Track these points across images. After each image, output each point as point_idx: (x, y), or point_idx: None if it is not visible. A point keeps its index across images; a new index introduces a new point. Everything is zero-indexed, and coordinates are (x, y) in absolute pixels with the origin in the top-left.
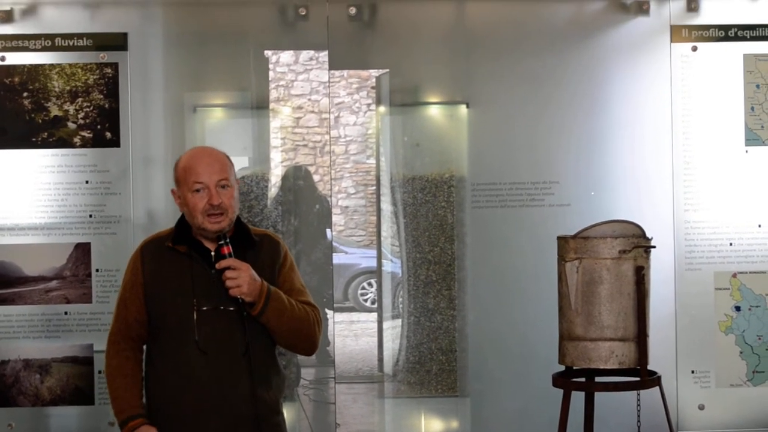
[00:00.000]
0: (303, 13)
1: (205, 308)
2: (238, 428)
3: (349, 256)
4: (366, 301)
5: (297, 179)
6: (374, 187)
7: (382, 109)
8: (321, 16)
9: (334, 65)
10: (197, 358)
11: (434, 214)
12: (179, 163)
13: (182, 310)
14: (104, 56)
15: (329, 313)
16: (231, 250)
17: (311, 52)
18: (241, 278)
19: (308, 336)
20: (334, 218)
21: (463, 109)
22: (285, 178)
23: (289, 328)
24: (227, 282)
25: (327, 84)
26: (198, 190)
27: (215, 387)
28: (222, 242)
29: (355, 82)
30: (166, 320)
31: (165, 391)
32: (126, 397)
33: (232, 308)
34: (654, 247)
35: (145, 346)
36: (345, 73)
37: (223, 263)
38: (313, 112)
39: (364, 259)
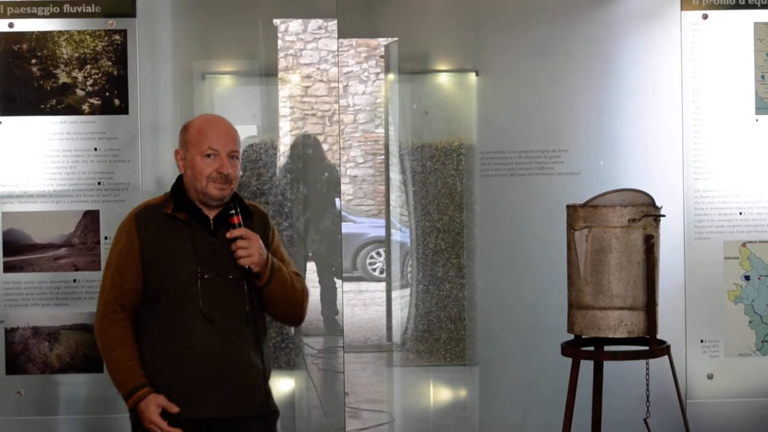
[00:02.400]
0: None
1: (206, 276)
2: (238, 396)
3: (358, 225)
4: (375, 270)
5: (306, 147)
6: (383, 157)
7: (391, 77)
8: None
9: (343, 34)
10: (201, 326)
11: (443, 183)
12: (191, 126)
13: (185, 277)
14: (113, 23)
15: (338, 282)
16: (241, 219)
17: (320, 21)
18: (252, 248)
19: (300, 307)
20: (343, 188)
21: (472, 76)
22: (294, 146)
23: (286, 300)
24: (238, 251)
25: (336, 53)
26: (209, 155)
27: (218, 354)
28: (233, 212)
29: (363, 51)
30: (166, 288)
31: (163, 359)
32: (130, 366)
33: (231, 276)
34: (663, 215)
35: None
36: (354, 42)
37: (234, 233)
38: (321, 81)
39: (373, 228)
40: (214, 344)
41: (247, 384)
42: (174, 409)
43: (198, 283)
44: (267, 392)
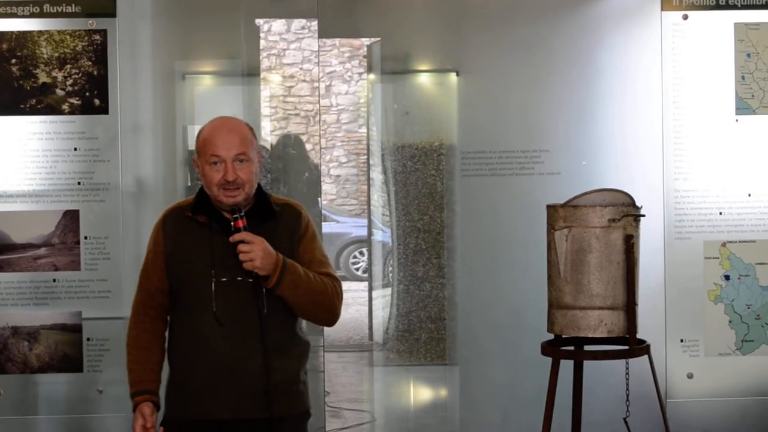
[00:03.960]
0: None
1: (223, 279)
2: (252, 399)
3: (341, 225)
4: (358, 270)
5: (288, 147)
6: (366, 156)
7: (372, 77)
8: None
9: (324, 33)
10: (214, 329)
11: (424, 183)
12: (201, 133)
13: (201, 280)
14: (93, 23)
15: None
16: (245, 223)
17: (303, 21)
18: (254, 252)
19: (327, 307)
20: (326, 187)
21: (453, 77)
22: (276, 146)
23: (307, 301)
24: (240, 256)
25: (317, 52)
26: (215, 163)
27: (230, 358)
28: (236, 216)
29: (347, 50)
30: (184, 290)
31: (182, 359)
32: (138, 370)
33: (250, 279)
34: (643, 215)
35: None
36: (337, 41)
37: (236, 237)
38: (304, 81)
39: (356, 228)
40: (226, 348)
41: (258, 387)
42: (146, 423)
43: (212, 286)
44: (295, 392)
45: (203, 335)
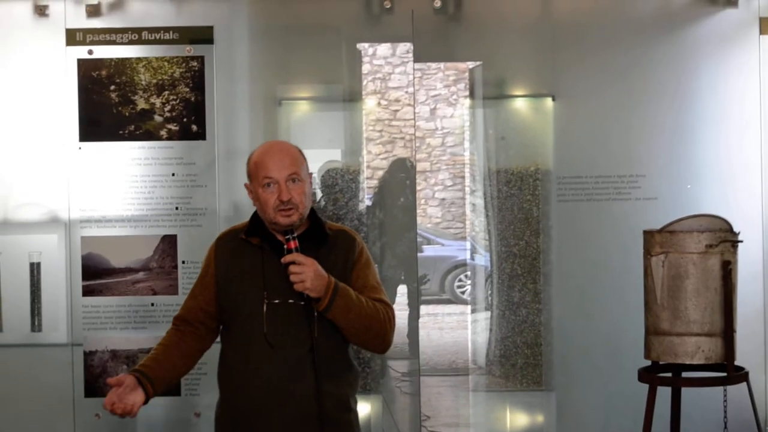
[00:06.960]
0: (388, 6)
1: (275, 301)
2: (303, 424)
3: (446, 248)
4: (463, 293)
5: (399, 171)
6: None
7: (471, 101)
8: (406, 9)
9: (419, 58)
10: (265, 351)
11: (519, 208)
12: (251, 158)
13: (252, 302)
14: (190, 49)
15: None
16: (297, 244)
17: (408, 45)
18: (305, 273)
19: (378, 334)
20: (431, 210)
21: (548, 101)
22: (389, 169)
23: (358, 326)
24: (291, 277)
25: (411, 76)
26: (268, 185)
27: (281, 381)
28: (289, 237)
29: (452, 74)
30: (236, 312)
31: (233, 383)
32: (147, 357)
33: (302, 302)
34: (741, 241)
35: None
36: (442, 65)
37: (288, 258)
38: (410, 105)
39: (460, 251)
40: (276, 370)
41: (309, 412)
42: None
43: (264, 308)
44: (345, 421)
45: (254, 357)
